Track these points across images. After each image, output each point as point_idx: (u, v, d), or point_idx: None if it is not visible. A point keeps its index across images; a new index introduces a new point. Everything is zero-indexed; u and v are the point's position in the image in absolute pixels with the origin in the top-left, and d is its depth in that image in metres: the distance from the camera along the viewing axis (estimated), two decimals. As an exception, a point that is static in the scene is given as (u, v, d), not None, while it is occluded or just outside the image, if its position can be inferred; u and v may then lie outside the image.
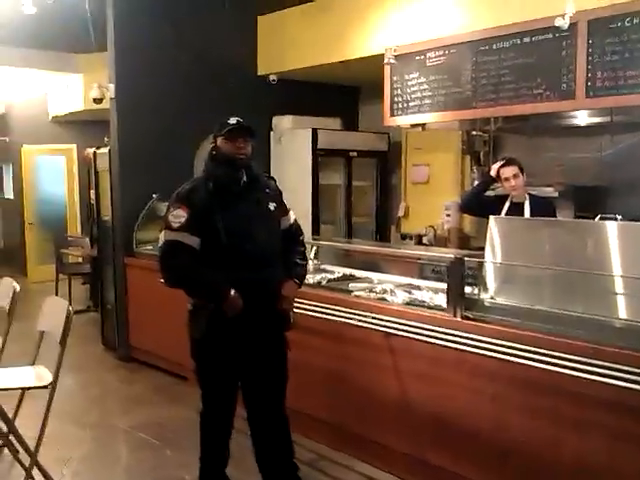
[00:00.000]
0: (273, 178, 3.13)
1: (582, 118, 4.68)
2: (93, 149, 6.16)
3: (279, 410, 3.05)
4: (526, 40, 4.27)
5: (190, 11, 5.76)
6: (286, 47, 6.07)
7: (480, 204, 4.23)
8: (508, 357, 2.84)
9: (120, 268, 5.66)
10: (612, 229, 2.93)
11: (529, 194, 4.10)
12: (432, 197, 6.14)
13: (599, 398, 2.61)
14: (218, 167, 2.88)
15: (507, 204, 4.09)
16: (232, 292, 2.76)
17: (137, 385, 5.07)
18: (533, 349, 2.76)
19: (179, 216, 2.79)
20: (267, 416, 3.05)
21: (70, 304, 3.27)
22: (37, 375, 3.28)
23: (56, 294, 7.10)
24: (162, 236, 2.85)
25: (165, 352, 5.16)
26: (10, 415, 3.31)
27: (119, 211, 5.61)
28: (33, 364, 3.40)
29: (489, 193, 4.34)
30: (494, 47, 4.45)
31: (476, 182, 5.45)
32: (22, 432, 3.33)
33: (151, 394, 4.87)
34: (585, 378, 2.59)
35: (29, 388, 3.23)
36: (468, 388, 3.09)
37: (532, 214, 3.97)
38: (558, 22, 3.71)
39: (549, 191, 4.71)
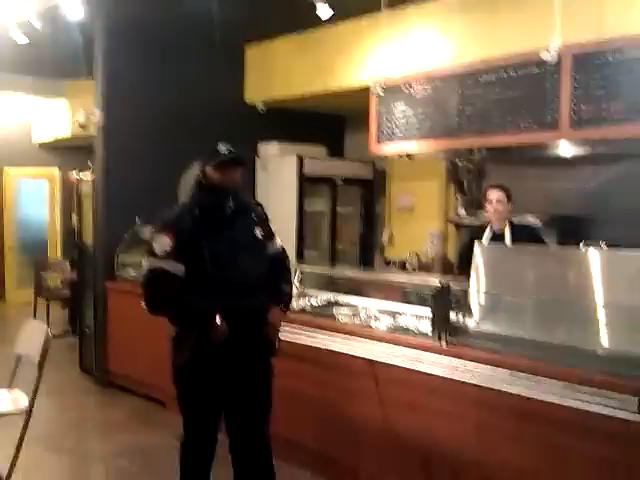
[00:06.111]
0: (260, 204, 3.10)
1: (565, 149, 4.75)
2: (76, 172, 6.13)
3: (262, 438, 2.98)
4: (512, 74, 4.33)
5: (178, 41, 5.78)
6: (273, 76, 6.13)
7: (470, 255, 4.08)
8: (493, 384, 2.83)
9: (100, 292, 5.60)
10: (596, 257, 2.95)
11: (510, 222, 4.11)
12: (416, 224, 6.19)
13: (584, 425, 2.60)
14: (205, 195, 2.84)
15: (487, 232, 4.09)
16: (218, 320, 2.71)
17: (115, 410, 4.97)
18: (519, 375, 2.76)
19: (164, 244, 2.72)
20: (250, 444, 2.98)
21: (48, 328, 3.21)
22: (13, 399, 3.20)
23: (34, 317, 6.98)
24: (146, 263, 2.79)
25: (144, 377, 5.08)
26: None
27: (101, 235, 5.57)
28: (9, 387, 3.32)
29: (472, 222, 4.34)
30: (480, 80, 4.52)
31: (460, 209, 5.49)
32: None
33: (129, 420, 4.77)
34: (569, 406, 2.59)
35: (4, 415, 3.14)
36: (453, 415, 3.06)
37: (514, 242, 3.97)
38: (544, 55, 3.76)
39: (532, 221, 4.75)
